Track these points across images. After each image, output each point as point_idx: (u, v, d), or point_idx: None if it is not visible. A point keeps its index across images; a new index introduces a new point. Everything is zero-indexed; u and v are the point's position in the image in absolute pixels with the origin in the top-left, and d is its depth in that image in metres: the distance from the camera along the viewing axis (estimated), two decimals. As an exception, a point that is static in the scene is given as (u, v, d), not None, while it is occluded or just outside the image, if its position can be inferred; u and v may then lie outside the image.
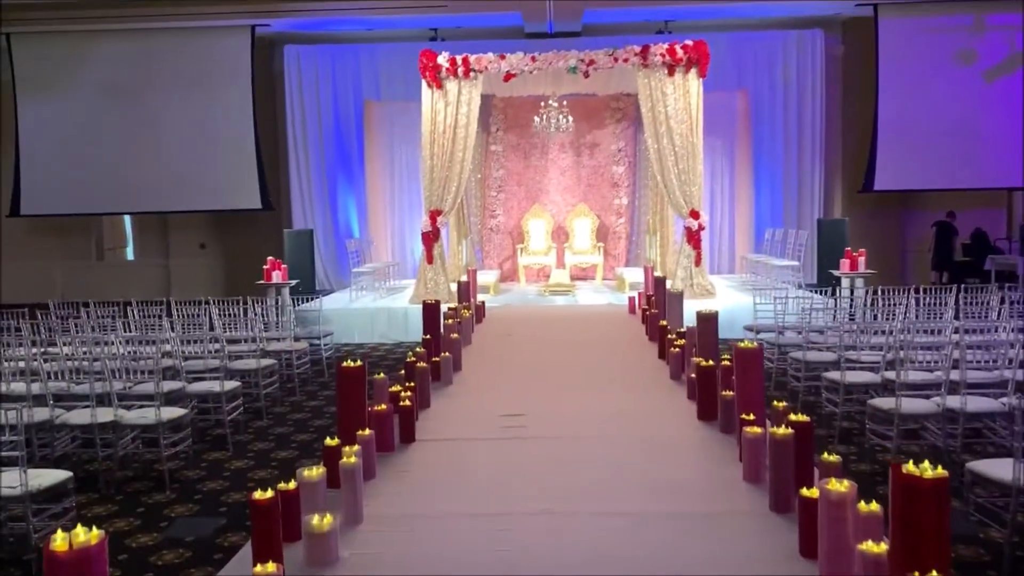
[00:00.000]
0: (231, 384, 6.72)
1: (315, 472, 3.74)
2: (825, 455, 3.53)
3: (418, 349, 6.04)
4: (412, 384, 5.18)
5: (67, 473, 4.64)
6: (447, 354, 6.21)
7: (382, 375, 5.01)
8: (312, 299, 12.00)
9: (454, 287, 11.73)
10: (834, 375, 6.49)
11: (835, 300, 9.29)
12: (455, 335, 6.70)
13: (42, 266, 16.14)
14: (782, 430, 3.58)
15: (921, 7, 14.05)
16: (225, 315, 8.63)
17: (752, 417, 4.24)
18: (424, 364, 5.48)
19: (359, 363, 4.29)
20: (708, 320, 5.93)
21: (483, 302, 9.97)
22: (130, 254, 17.97)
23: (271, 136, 15.41)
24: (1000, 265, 13.67)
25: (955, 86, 14.19)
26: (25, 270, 15.77)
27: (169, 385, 6.56)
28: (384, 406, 4.56)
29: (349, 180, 15.19)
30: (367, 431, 4.14)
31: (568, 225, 13.88)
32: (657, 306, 8.36)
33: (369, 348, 10.73)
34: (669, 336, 6.71)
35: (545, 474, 4.12)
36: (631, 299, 10.13)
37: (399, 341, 10.97)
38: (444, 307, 8.49)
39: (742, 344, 4.44)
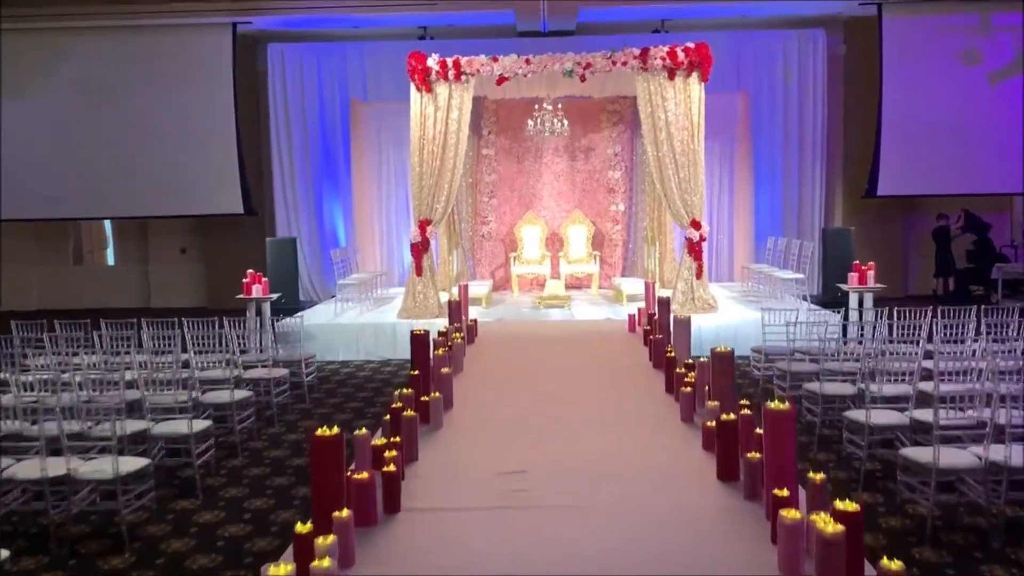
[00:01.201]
0: (201, 424, 6.12)
1: (282, 571, 3.15)
2: (885, 561, 2.96)
3: (404, 391, 5.45)
4: (398, 439, 4.59)
5: (4, 553, 4.02)
6: (437, 394, 5.62)
7: (364, 430, 4.43)
8: (295, 314, 11.42)
9: (444, 297, 11.17)
10: (857, 415, 5.94)
11: (846, 323, 8.73)
12: (446, 369, 6.11)
13: (18, 271, 15.46)
14: (831, 527, 3.01)
15: (925, 6, 13.51)
16: (199, 340, 8.00)
17: (785, 493, 3.68)
18: (411, 412, 4.89)
19: (335, 431, 3.69)
20: (724, 360, 5.35)
21: (475, 321, 9.37)
22: (110, 258, 17.27)
23: (254, 138, 14.76)
24: (1007, 274, 13.20)
25: (960, 88, 13.67)
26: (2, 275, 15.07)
27: (133, 425, 5.96)
28: (365, 474, 3.97)
29: (335, 184, 14.55)
30: (345, 512, 3.55)
31: (563, 232, 13.30)
32: (661, 330, 7.79)
33: (354, 367, 10.14)
34: (678, 370, 6.13)
35: (555, 562, 3.54)
36: (631, 316, 9.56)
37: (386, 358, 10.38)
38: (434, 330, 7.93)
39: (772, 405, 3.87)
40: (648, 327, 8.49)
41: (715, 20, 14.14)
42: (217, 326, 8.02)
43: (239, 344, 8.35)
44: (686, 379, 5.85)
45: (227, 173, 14.07)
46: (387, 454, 4.24)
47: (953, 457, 4.99)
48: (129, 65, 13.88)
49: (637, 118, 13.24)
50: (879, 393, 6.26)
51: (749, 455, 4.20)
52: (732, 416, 4.55)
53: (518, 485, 4.43)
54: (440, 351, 6.70)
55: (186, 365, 7.38)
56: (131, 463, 5.21)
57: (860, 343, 8.15)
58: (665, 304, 8.09)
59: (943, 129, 13.63)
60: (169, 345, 8.00)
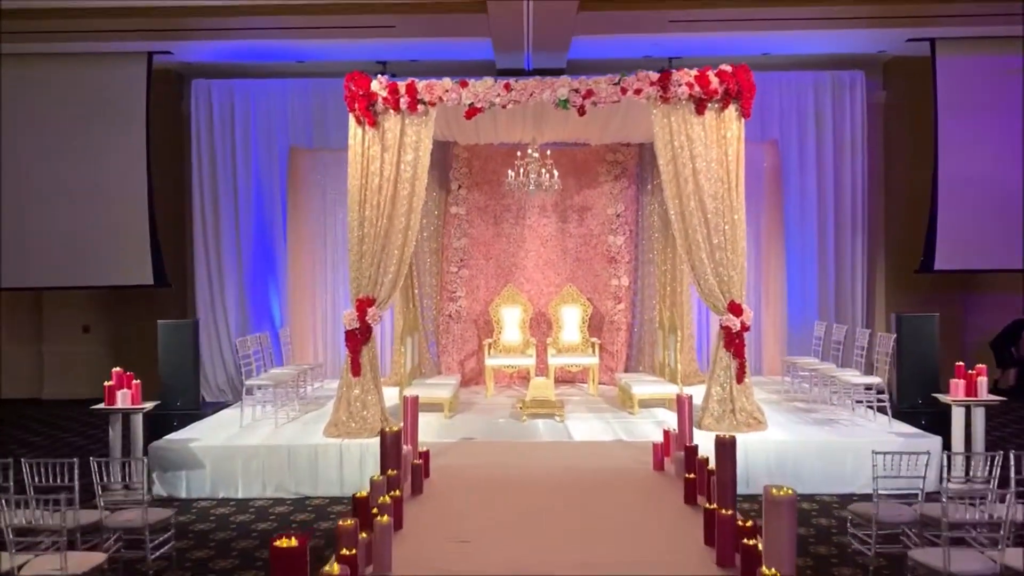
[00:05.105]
0: None
1: None
2: None
3: None
4: None
5: None
6: None
7: None
8: (193, 424, 8.17)
9: (394, 393, 7.94)
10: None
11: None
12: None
13: None
14: None
15: (989, 44, 10.72)
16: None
17: None
18: None
19: None
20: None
21: (426, 453, 6.12)
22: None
23: (174, 193, 11.58)
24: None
25: (1032, 142, 10.86)
26: None
27: None
28: None
29: (270, 250, 11.32)
30: None
31: (552, 313, 10.14)
32: (724, 498, 4.56)
33: (255, 510, 6.76)
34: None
35: None
36: (656, 446, 6.35)
37: (303, 496, 7.04)
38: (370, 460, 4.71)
39: None
40: (690, 474, 5.29)
41: (733, 59, 11.23)
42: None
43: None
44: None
45: (136, 236, 10.87)
46: None
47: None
48: (17, 103, 10.77)
49: (643, 171, 10.37)
50: None
51: None
52: None
53: None
54: (346, 553, 3.44)
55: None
56: None
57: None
58: (728, 450, 4.86)
59: (1013, 191, 10.77)
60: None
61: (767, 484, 3.89)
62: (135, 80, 10.87)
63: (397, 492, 4.78)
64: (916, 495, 5.17)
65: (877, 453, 4.98)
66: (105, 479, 5.30)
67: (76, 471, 5.06)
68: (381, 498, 4.46)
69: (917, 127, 11.20)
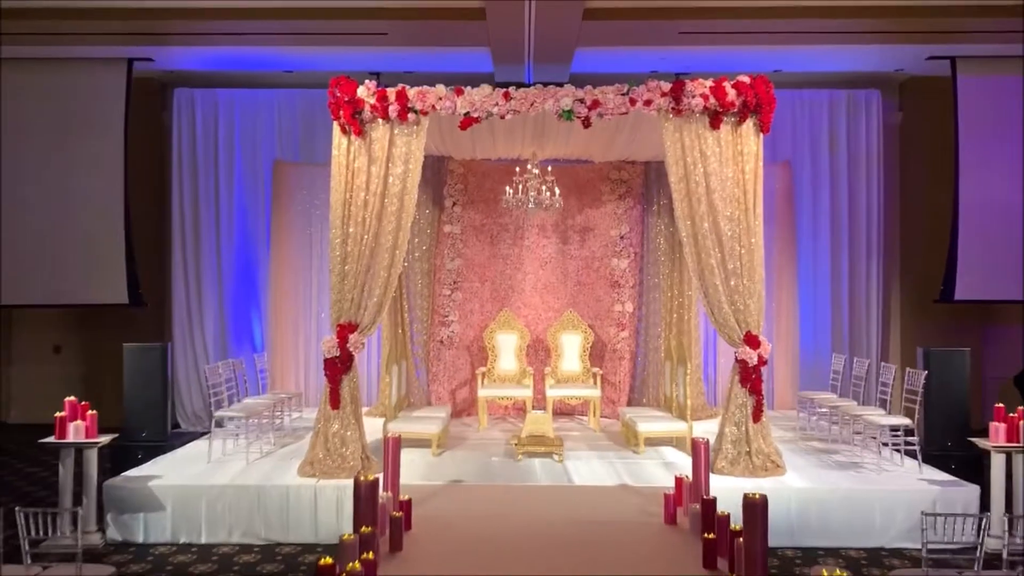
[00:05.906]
0: None
1: None
2: None
3: None
4: None
5: None
6: None
7: None
8: (155, 459, 7.45)
9: (379, 426, 7.24)
10: None
11: None
12: None
13: None
14: None
15: (1013, 63, 10.13)
16: None
17: None
18: None
19: None
20: None
21: (408, 502, 5.40)
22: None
23: (154, 208, 10.93)
24: None
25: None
26: None
27: None
28: None
29: (253, 269, 10.66)
30: None
31: (551, 340, 9.45)
32: (751, 569, 3.87)
33: (219, 558, 6.03)
34: None
35: None
36: (667, 496, 5.65)
37: (274, 542, 6.31)
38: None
39: None
40: (709, 533, 4.59)
41: (744, 75, 10.68)
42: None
43: None
44: None
45: (111, 252, 10.20)
46: None
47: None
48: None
49: (649, 190, 9.75)
50: None
51: None
52: None
53: None
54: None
55: None
56: None
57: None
58: (758, 513, 4.16)
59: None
60: None
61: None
62: (114, 87, 10.25)
63: (370, 555, 4.08)
64: (956, 549, 4.51)
65: (927, 515, 4.28)
66: (35, 531, 4.56)
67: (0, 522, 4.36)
68: (350, 565, 3.76)
69: (935, 149, 10.65)
